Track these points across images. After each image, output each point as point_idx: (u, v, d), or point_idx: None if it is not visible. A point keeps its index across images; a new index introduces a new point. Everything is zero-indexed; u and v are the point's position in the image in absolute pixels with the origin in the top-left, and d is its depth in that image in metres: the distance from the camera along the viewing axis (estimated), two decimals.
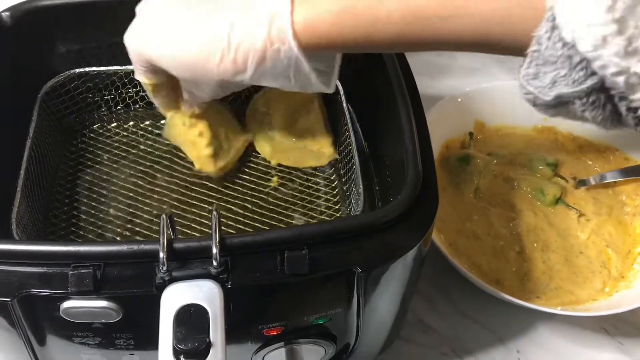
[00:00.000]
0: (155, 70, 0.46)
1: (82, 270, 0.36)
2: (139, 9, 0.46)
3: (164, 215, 0.38)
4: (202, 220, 0.52)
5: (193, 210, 0.53)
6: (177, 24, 0.42)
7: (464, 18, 0.36)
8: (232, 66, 0.40)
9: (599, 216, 0.64)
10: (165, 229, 0.37)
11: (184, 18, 0.42)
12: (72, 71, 0.55)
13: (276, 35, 0.39)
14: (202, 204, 0.54)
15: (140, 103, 0.59)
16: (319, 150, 0.57)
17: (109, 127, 0.59)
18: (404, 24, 0.37)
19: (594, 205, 0.64)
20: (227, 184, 0.55)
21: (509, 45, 0.36)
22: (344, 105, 0.55)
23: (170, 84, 0.50)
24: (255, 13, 0.39)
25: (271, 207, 0.54)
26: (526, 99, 0.37)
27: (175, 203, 0.54)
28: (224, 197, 0.54)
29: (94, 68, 0.56)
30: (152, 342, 0.36)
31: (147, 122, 0.58)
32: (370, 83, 0.54)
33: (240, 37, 0.39)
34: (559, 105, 0.35)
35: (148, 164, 0.56)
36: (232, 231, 0.51)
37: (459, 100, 0.69)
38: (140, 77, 0.48)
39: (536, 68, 0.34)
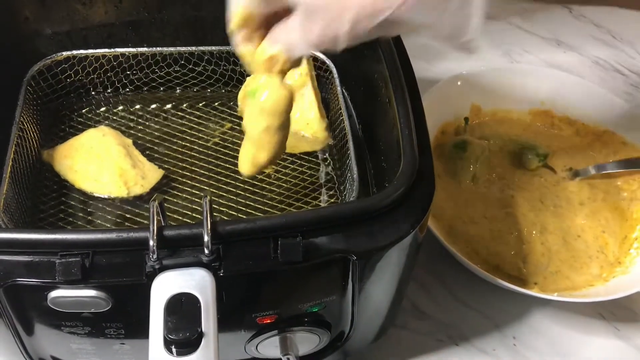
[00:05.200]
0: None
1: (70, 259, 0.35)
2: None
3: (153, 202, 0.37)
4: (194, 206, 0.51)
5: (184, 196, 0.52)
6: None
7: None
8: None
9: (594, 202, 0.63)
10: (155, 215, 0.36)
11: None
12: (59, 54, 0.54)
13: None
14: (193, 190, 0.53)
15: (129, 87, 0.58)
16: (313, 135, 0.56)
17: (97, 111, 0.57)
18: None
19: (590, 191, 0.64)
20: (220, 170, 0.54)
21: None
22: (338, 89, 0.54)
23: (262, 21, 0.39)
24: None
25: (265, 193, 0.53)
26: None
27: (165, 189, 0.53)
28: (216, 184, 0.53)
29: (82, 51, 0.55)
30: (143, 331, 0.35)
31: (137, 106, 0.57)
32: (366, 66, 0.53)
33: None
34: None
35: (138, 148, 0.55)
36: (225, 217, 0.50)
37: (455, 83, 0.68)
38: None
39: None
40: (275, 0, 0.37)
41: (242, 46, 0.40)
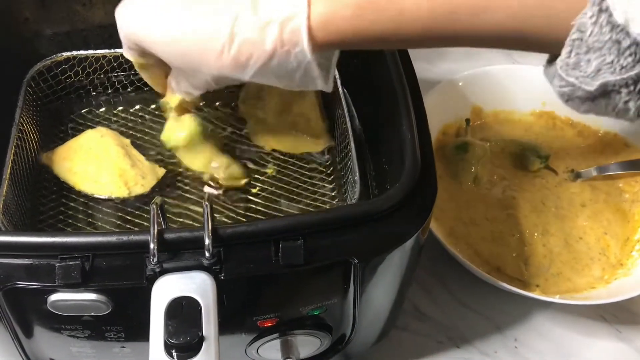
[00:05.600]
0: (144, 50, 0.43)
1: (70, 262, 0.35)
2: None
3: (154, 204, 0.36)
4: (195, 208, 0.51)
5: (187, 196, 0.52)
6: (174, 5, 0.39)
7: (498, 11, 0.33)
8: (232, 62, 0.38)
9: (596, 203, 0.63)
10: (155, 218, 0.36)
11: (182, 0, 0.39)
12: (59, 54, 0.54)
13: (288, 37, 0.36)
14: (194, 191, 0.52)
15: (129, 87, 0.57)
16: (314, 136, 0.55)
17: (97, 112, 0.57)
18: (432, 19, 0.34)
19: (591, 192, 0.63)
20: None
21: (543, 38, 0.34)
22: (340, 90, 0.54)
23: (161, 66, 0.46)
24: (267, 8, 0.36)
25: (266, 195, 0.53)
26: (560, 93, 0.35)
27: (166, 190, 0.52)
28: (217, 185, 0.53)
29: (82, 51, 0.54)
30: (143, 334, 0.35)
31: (137, 107, 0.57)
32: (367, 68, 0.53)
33: (246, 32, 0.37)
34: (601, 96, 0.33)
35: (139, 149, 0.55)
36: (226, 220, 0.50)
37: (456, 84, 0.67)
38: (128, 55, 0.45)
39: (577, 57, 0.32)
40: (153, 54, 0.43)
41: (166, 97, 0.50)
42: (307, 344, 0.45)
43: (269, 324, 0.41)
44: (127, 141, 0.54)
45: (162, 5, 0.40)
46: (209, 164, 0.52)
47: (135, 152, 0.53)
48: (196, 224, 0.49)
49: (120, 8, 0.43)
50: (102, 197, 0.51)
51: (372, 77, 0.51)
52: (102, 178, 0.51)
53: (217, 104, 0.58)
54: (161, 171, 0.52)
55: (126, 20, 0.43)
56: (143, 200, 0.51)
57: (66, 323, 0.38)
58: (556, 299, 0.54)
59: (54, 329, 0.39)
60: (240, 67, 0.38)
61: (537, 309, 0.59)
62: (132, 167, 0.51)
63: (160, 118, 0.57)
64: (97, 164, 0.51)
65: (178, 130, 0.51)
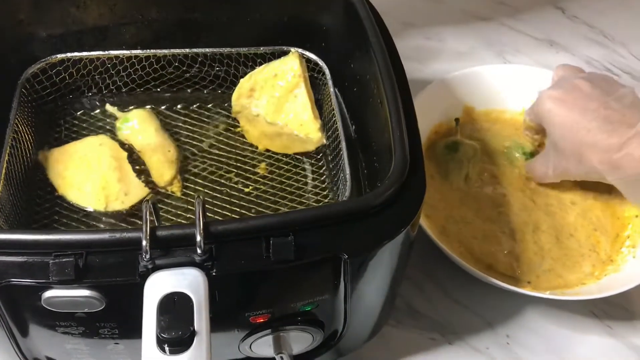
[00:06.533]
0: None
1: (64, 259, 0.36)
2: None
3: (146, 203, 0.37)
4: (188, 207, 0.52)
5: (179, 196, 0.53)
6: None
7: None
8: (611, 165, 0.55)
9: (586, 200, 0.64)
10: (148, 216, 0.36)
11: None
12: (53, 56, 0.54)
13: None
14: (187, 191, 0.53)
15: (124, 89, 0.58)
16: (306, 136, 0.56)
17: (92, 113, 0.58)
18: None
19: (581, 189, 0.64)
20: (214, 170, 0.55)
21: None
22: (331, 90, 0.55)
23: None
24: None
25: (259, 194, 0.53)
26: None
27: (158, 188, 0.53)
28: (211, 184, 0.54)
29: (76, 53, 0.55)
30: (137, 331, 0.36)
31: (131, 108, 0.57)
32: (358, 67, 0.53)
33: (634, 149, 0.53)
34: None
35: (133, 150, 0.55)
36: (218, 218, 0.51)
37: (448, 83, 0.68)
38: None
39: None
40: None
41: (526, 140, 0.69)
42: (300, 340, 0.45)
43: (261, 320, 0.42)
44: (125, 154, 0.53)
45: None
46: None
47: (127, 167, 0.53)
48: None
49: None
50: (82, 207, 0.51)
51: (362, 77, 0.52)
52: (86, 187, 0.51)
53: (210, 105, 0.59)
54: (145, 191, 0.52)
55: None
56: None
57: (60, 320, 0.39)
58: (547, 295, 0.55)
59: (49, 326, 0.39)
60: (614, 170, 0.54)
61: (529, 306, 0.60)
62: (118, 182, 0.51)
63: None
64: (86, 172, 0.51)
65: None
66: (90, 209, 0.51)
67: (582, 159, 0.56)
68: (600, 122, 0.55)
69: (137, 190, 0.52)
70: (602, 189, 0.64)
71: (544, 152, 0.63)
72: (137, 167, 0.54)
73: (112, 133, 0.56)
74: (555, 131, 0.58)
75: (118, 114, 0.56)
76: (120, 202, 0.51)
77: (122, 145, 0.55)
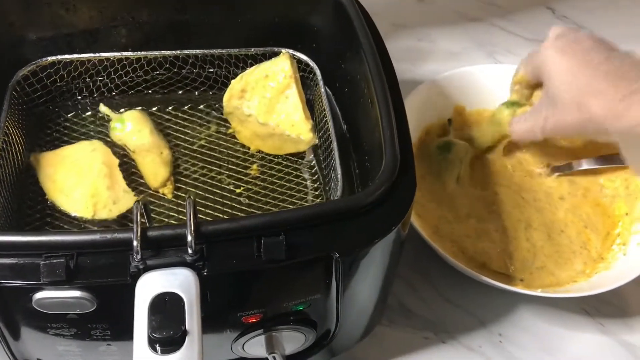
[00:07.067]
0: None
1: (55, 260, 0.36)
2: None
3: (137, 203, 0.37)
4: (180, 209, 0.52)
5: (170, 198, 0.53)
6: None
7: None
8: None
9: (574, 197, 0.64)
10: (139, 217, 0.36)
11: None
12: (44, 59, 0.54)
13: None
14: (179, 192, 0.53)
15: (115, 91, 0.58)
16: (298, 137, 0.56)
17: (83, 115, 0.58)
18: None
19: (570, 186, 0.64)
20: (206, 172, 0.55)
21: None
22: (322, 90, 0.55)
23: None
24: None
25: (251, 194, 0.53)
26: None
27: (151, 191, 0.53)
28: (202, 185, 0.54)
29: (67, 55, 0.55)
30: (128, 332, 0.35)
31: (123, 110, 0.57)
32: (348, 67, 0.54)
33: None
34: None
35: (124, 152, 0.55)
36: (208, 219, 0.51)
37: (438, 84, 0.68)
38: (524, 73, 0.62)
39: None
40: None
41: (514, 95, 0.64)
42: (292, 339, 0.45)
43: (254, 320, 0.42)
44: (117, 161, 0.53)
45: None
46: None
47: (118, 175, 0.52)
48: None
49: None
50: (67, 212, 0.50)
51: (353, 77, 0.52)
52: (75, 193, 0.50)
53: (201, 106, 0.59)
54: (134, 199, 0.51)
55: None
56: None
57: (52, 321, 0.39)
58: (538, 293, 0.55)
59: (40, 327, 0.39)
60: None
61: (522, 304, 0.60)
62: (107, 189, 0.51)
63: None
64: (77, 177, 0.51)
65: None
66: (77, 215, 0.50)
67: (582, 107, 0.53)
68: (604, 72, 0.52)
69: (126, 200, 0.51)
70: (593, 187, 0.64)
71: (534, 108, 0.60)
72: (132, 169, 0.54)
73: (103, 135, 0.56)
74: (555, 79, 0.55)
75: (112, 114, 0.56)
76: (108, 211, 0.50)
77: (115, 147, 0.55)
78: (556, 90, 0.55)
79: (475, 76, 0.70)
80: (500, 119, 0.64)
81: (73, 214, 0.50)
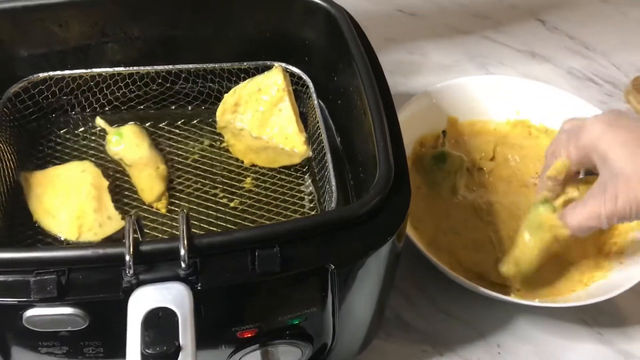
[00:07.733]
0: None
1: (45, 277, 0.35)
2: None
3: (129, 218, 0.37)
4: (173, 223, 0.51)
5: (164, 212, 0.52)
6: None
7: None
8: None
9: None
10: (131, 232, 0.36)
11: None
12: (35, 75, 0.54)
13: None
14: (172, 207, 0.53)
15: (107, 107, 0.58)
16: (292, 149, 0.56)
17: (76, 131, 0.57)
18: None
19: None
20: (199, 187, 0.54)
21: None
22: (315, 103, 0.55)
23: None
24: None
25: (245, 208, 0.53)
26: None
27: (144, 207, 0.53)
28: (196, 200, 0.53)
29: (59, 72, 0.55)
30: (122, 349, 0.35)
31: (115, 126, 0.57)
32: (341, 80, 0.54)
33: None
34: None
35: (117, 169, 0.55)
36: (202, 232, 0.50)
37: (432, 96, 0.68)
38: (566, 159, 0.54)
39: None
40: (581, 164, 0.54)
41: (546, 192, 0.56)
42: (289, 354, 0.45)
43: (249, 335, 0.41)
44: (106, 183, 0.52)
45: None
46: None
47: (106, 197, 0.51)
48: None
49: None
50: (52, 234, 0.49)
51: (346, 89, 0.52)
52: (61, 215, 0.50)
53: (195, 121, 0.59)
54: (121, 223, 0.50)
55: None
56: (121, 217, 0.51)
57: (43, 339, 0.38)
58: (535, 303, 0.55)
59: (31, 346, 0.39)
60: None
61: (519, 315, 0.60)
62: (94, 212, 0.50)
63: None
64: (64, 198, 0.50)
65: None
66: (61, 237, 0.49)
67: None
68: None
69: (113, 223, 0.50)
70: None
71: (590, 192, 0.52)
72: (125, 185, 0.53)
73: (96, 151, 0.56)
74: (614, 155, 0.49)
75: (108, 128, 0.56)
76: (93, 234, 0.50)
77: (108, 164, 0.54)
78: (620, 166, 0.49)
79: (468, 87, 0.70)
80: (540, 222, 0.55)
81: (58, 235, 0.49)
